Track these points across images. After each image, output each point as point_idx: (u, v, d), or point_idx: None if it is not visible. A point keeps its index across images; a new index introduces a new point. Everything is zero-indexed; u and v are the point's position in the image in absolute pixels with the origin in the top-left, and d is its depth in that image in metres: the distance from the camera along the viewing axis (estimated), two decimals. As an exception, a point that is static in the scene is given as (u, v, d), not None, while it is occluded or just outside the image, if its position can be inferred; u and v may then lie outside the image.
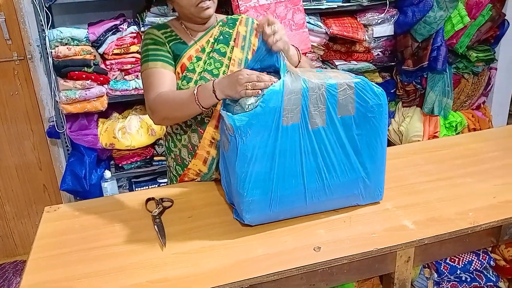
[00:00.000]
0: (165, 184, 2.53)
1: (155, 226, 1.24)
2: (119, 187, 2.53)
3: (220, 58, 1.42)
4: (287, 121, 1.12)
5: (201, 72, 1.39)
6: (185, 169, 1.50)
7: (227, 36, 1.45)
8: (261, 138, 1.11)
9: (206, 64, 1.40)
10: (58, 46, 2.16)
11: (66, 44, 2.17)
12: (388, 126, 2.83)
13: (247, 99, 1.11)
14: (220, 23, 1.46)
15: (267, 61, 1.18)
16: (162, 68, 1.35)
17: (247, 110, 1.10)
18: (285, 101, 1.11)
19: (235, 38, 1.44)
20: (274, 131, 1.12)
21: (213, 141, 1.43)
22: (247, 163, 1.12)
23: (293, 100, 1.12)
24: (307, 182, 1.19)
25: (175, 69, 1.39)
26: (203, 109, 1.22)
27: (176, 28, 1.43)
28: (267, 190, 1.16)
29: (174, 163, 1.53)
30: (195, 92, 1.21)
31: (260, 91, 1.11)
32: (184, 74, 1.39)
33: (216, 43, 1.43)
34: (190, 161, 1.48)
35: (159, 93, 1.31)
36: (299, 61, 1.37)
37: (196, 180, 1.52)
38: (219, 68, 1.41)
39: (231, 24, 1.47)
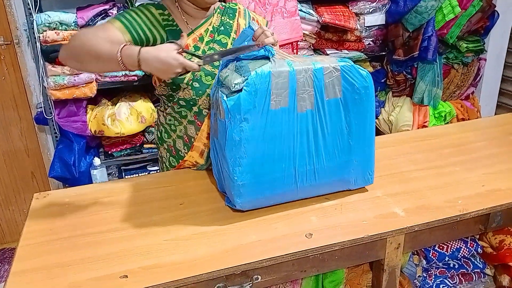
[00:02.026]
0: (155, 172, 2.52)
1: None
2: (108, 174, 2.51)
3: (220, 49, 1.37)
4: (275, 105, 1.12)
5: None
6: (180, 161, 1.48)
7: (228, 27, 1.41)
8: (250, 122, 1.11)
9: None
10: (46, 31, 2.11)
11: (54, 28, 2.12)
12: (378, 116, 2.84)
13: (234, 79, 1.10)
14: (218, 11, 1.42)
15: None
16: (118, 29, 1.23)
17: (232, 90, 1.10)
18: (273, 84, 1.11)
19: (236, 30, 1.41)
20: (263, 115, 1.12)
21: None
22: (236, 147, 1.12)
23: (281, 83, 1.12)
24: (298, 165, 1.19)
25: None
26: (129, 71, 1.21)
27: (172, 12, 1.36)
28: (257, 174, 1.16)
29: (168, 154, 1.51)
30: (119, 54, 1.13)
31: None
32: None
33: (216, 34, 1.38)
34: (186, 152, 1.45)
35: (87, 32, 1.20)
36: None
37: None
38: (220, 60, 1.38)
39: (231, 14, 1.43)
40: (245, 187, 1.15)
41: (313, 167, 1.21)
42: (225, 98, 1.10)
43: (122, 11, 1.28)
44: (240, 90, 1.09)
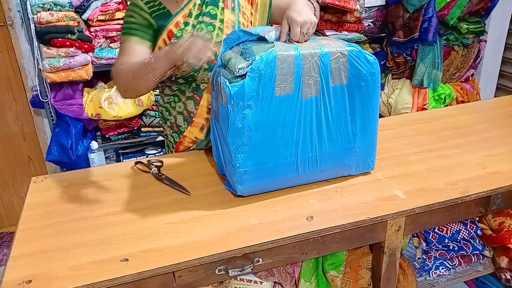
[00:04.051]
0: (153, 155, 2.51)
1: (164, 181, 1.27)
2: (106, 158, 2.50)
3: (212, 21, 1.37)
4: (280, 91, 1.10)
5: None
6: (180, 136, 1.48)
7: None
8: (254, 108, 1.09)
9: (196, 29, 1.35)
10: (40, 12, 2.07)
11: (48, 9, 2.08)
12: (379, 100, 2.82)
13: (239, 63, 1.08)
14: None
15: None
16: (135, 43, 1.32)
17: (236, 74, 1.07)
18: (278, 70, 1.08)
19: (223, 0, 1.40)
20: (267, 101, 1.10)
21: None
22: (239, 134, 1.10)
23: (286, 69, 1.09)
24: (300, 152, 1.18)
25: (159, 38, 1.35)
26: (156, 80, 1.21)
27: None
28: (259, 161, 1.15)
29: (171, 130, 1.52)
30: (149, 61, 1.19)
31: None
32: (171, 41, 1.34)
33: (204, 6, 1.37)
34: (186, 128, 1.46)
35: (121, 62, 1.29)
36: None
37: (191, 148, 1.50)
38: (212, 31, 1.36)
39: None
40: (246, 174, 1.14)
41: (315, 154, 1.20)
42: (227, 83, 1.07)
43: (125, 21, 1.37)
44: (244, 75, 1.07)
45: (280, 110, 1.12)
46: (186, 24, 1.35)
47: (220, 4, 1.38)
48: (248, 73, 1.06)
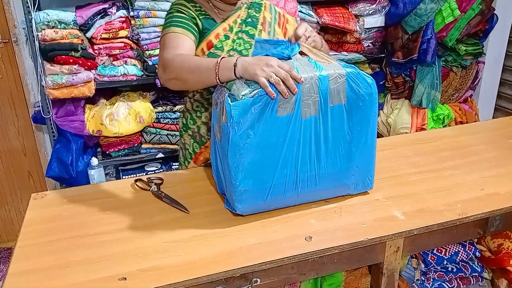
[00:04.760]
0: (153, 172, 2.51)
1: (164, 199, 1.28)
2: (106, 174, 2.50)
3: (249, 40, 1.42)
4: (282, 111, 1.12)
5: (230, 50, 1.39)
6: (202, 147, 1.50)
7: (254, 19, 1.46)
8: (255, 128, 1.10)
9: (235, 43, 1.40)
10: (44, 29, 2.10)
11: (53, 27, 2.11)
12: (376, 119, 2.84)
13: (242, 89, 1.09)
14: (245, 5, 1.47)
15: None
16: (183, 34, 1.33)
17: (241, 100, 1.08)
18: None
19: (262, 23, 1.46)
20: (268, 121, 1.11)
21: None
22: (240, 153, 1.11)
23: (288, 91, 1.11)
24: (300, 172, 1.19)
25: (199, 45, 1.39)
26: (218, 81, 1.17)
27: (203, 5, 1.43)
28: (259, 180, 1.15)
29: (192, 140, 1.54)
30: (218, 61, 1.16)
31: (272, 92, 1.08)
32: (210, 51, 1.39)
33: (244, 25, 1.43)
34: (209, 139, 1.48)
35: (180, 54, 1.27)
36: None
37: (209, 161, 1.51)
38: (248, 49, 1.41)
39: (257, 8, 1.48)
40: (246, 193, 1.15)
41: (314, 173, 1.20)
42: (230, 102, 1.08)
43: (168, 16, 1.36)
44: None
45: (281, 130, 1.13)
46: (226, 37, 1.40)
47: (259, 27, 1.45)
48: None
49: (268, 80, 1.07)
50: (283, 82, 1.08)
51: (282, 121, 1.13)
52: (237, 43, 1.40)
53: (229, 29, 1.41)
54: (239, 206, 1.17)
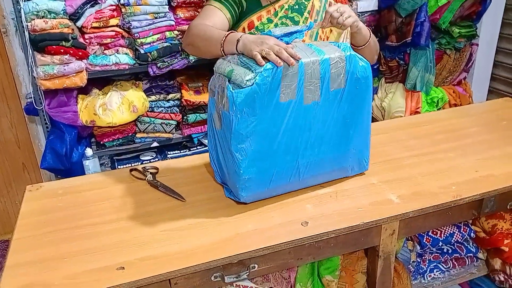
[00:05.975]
0: (148, 161, 2.51)
1: (159, 188, 1.29)
2: (101, 165, 2.49)
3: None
4: (284, 97, 1.11)
5: None
6: None
7: (302, 7, 1.45)
8: (258, 115, 1.09)
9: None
10: (34, 19, 2.06)
11: (42, 17, 2.08)
12: (371, 102, 2.84)
13: (245, 75, 1.07)
14: None
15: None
16: (219, 9, 1.39)
17: (244, 86, 1.06)
18: (283, 77, 1.09)
19: (309, 11, 1.45)
20: (271, 108, 1.10)
21: None
22: (243, 141, 1.10)
23: (291, 76, 1.10)
24: (301, 157, 1.19)
25: (241, 24, 1.41)
26: (222, 52, 1.22)
27: None
28: (262, 168, 1.15)
29: None
30: (226, 34, 1.22)
31: (264, 62, 1.07)
32: (251, 31, 1.40)
33: (290, 11, 1.43)
34: None
35: (204, 23, 1.34)
36: (368, 41, 1.41)
37: None
38: None
39: None
40: (250, 181, 1.15)
41: (316, 158, 1.21)
42: (232, 89, 1.07)
43: None
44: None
45: (283, 116, 1.13)
46: (269, 20, 1.41)
47: (305, 14, 1.44)
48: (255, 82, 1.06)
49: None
50: (277, 56, 1.08)
51: (285, 108, 1.12)
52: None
53: (273, 13, 1.42)
54: (243, 194, 1.16)
